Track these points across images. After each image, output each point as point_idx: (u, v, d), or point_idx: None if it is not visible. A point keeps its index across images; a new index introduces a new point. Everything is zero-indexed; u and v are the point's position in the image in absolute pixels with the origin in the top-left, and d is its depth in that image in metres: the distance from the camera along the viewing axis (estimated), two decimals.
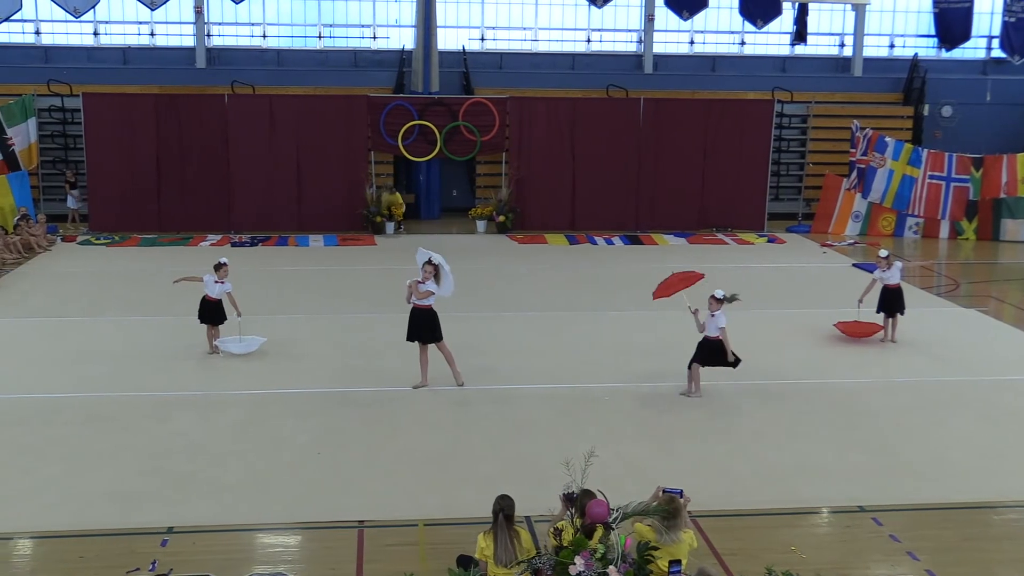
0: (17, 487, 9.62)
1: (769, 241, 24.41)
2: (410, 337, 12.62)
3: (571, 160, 25.38)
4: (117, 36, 27.88)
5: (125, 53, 27.65)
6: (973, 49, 30.05)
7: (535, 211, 25.28)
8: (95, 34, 27.73)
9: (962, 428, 11.60)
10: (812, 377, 13.28)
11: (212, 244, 23.04)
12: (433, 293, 12.42)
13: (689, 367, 12.49)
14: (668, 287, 12.79)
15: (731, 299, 12.29)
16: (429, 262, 12.33)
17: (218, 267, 14.18)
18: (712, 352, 12.32)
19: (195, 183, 24.36)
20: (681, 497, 7.45)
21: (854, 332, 15.27)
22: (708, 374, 13.03)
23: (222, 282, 14.12)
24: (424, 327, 12.49)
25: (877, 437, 11.24)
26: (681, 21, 28.09)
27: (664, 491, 7.53)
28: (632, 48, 29.33)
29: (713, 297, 12.14)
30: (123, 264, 20.64)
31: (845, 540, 8.80)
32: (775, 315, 16.84)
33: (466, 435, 11.18)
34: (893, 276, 15.13)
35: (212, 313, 14.20)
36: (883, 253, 15.45)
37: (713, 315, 12.16)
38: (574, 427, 11.35)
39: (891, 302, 15.13)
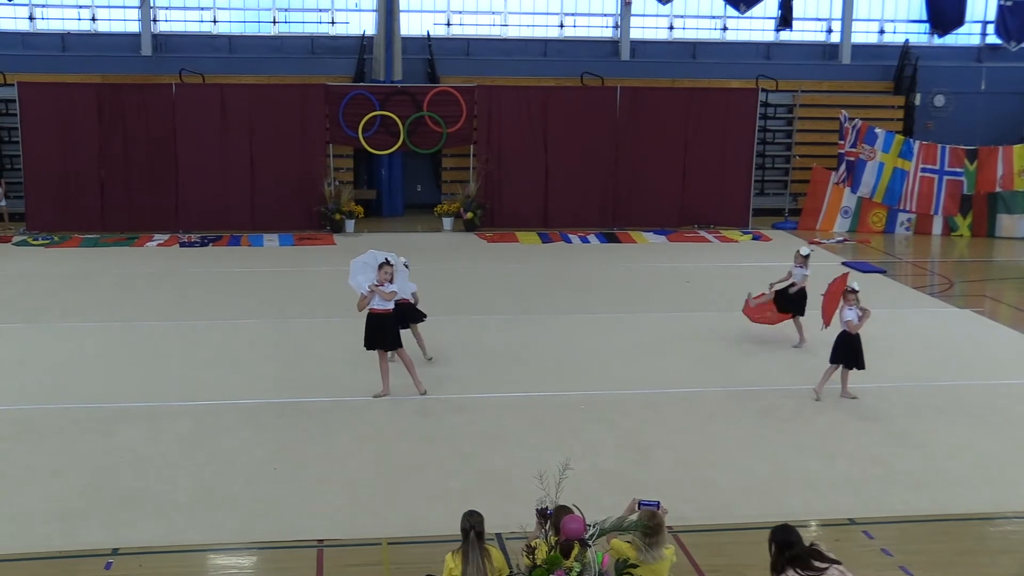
0: None
1: (754, 239, 24.53)
2: (369, 345, 12.63)
3: (543, 153, 25.41)
4: (55, 21, 27.62)
5: (64, 39, 27.38)
6: (967, 35, 30.29)
7: (505, 207, 25.29)
8: (31, 18, 27.45)
9: (957, 435, 11.71)
10: (798, 383, 13.36)
11: (159, 244, 22.87)
12: (396, 293, 12.46)
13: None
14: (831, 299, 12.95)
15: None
16: (387, 263, 12.35)
17: None
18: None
19: (141, 179, 24.16)
20: (658, 509, 7.48)
21: (758, 316, 15.28)
22: (693, 381, 13.15)
23: None
24: (385, 333, 12.49)
25: (867, 445, 11.34)
26: (660, 5, 28.21)
27: (640, 504, 7.55)
28: (608, 34, 29.41)
29: None
30: (63, 266, 20.44)
31: (834, 554, 8.84)
32: None
33: (432, 447, 11.17)
34: (799, 277, 14.93)
35: None
36: (804, 251, 15.20)
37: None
38: (547, 438, 11.37)
39: (796, 302, 14.99)
